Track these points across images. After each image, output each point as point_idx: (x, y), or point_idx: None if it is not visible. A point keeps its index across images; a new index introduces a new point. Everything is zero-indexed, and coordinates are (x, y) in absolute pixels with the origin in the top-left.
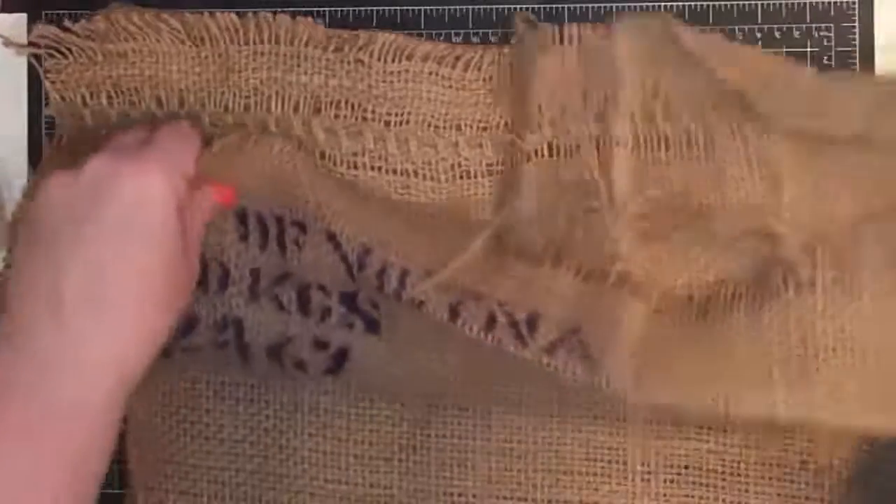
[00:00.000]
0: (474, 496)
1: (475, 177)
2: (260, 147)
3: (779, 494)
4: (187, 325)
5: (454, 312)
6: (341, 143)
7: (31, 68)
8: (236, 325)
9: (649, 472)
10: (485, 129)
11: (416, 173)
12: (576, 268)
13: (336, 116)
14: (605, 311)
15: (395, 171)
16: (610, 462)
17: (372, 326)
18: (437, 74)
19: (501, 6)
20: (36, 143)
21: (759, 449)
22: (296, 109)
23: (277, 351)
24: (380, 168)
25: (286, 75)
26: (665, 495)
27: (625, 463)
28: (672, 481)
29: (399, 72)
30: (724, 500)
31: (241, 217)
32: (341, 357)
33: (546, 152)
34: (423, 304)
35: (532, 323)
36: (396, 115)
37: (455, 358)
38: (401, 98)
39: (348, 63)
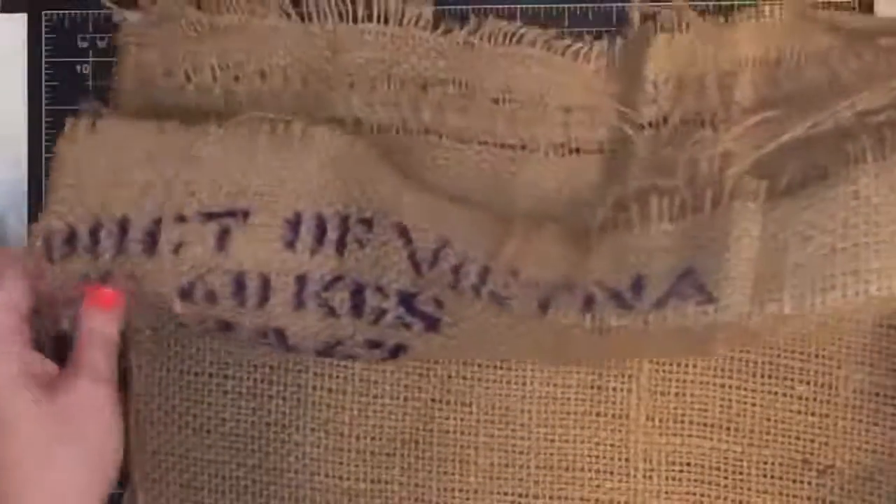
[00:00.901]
0: (475, 492)
1: (583, 154)
2: (323, 140)
3: (781, 493)
4: (222, 328)
5: (544, 306)
6: (447, 120)
7: (30, 68)
8: (278, 334)
9: (651, 470)
10: (594, 110)
11: (523, 147)
12: (671, 212)
13: (443, 94)
14: (712, 242)
15: (502, 146)
16: (612, 459)
17: (432, 326)
18: (545, 60)
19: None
20: (35, 142)
21: (762, 447)
22: (402, 87)
23: (327, 350)
24: (486, 142)
25: (394, 55)
26: (667, 493)
27: (627, 460)
28: (674, 479)
29: (508, 55)
30: (725, 498)
31: (294, 223)
32: (397, 351)
33: (662, 123)
34: (508, 301)
35: (637, 286)
36: (504, 93)
37: (520, 346)
38: (509, 78)
39: (457, 44)
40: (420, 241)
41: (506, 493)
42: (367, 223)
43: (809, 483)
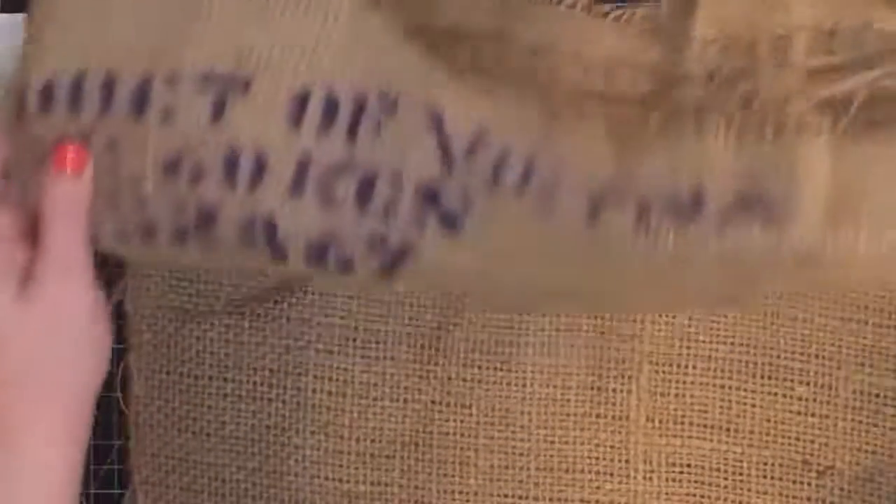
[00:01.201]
0: (475, 493)
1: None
2: (347, 4)
3: (780, 494)
4: (205, 219)
5: (594, 210)
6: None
7: None
8: (267, 224)
9: (651, 471)
10: (637, 66)
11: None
12: (729, 132)
13: (477, 47)
14: (778, 169)
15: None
16: (612, 460)
17: (450, 225)
18: (584, 19)
19: None
20: None
21: (762, 448)
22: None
23: (319, 250)
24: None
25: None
26: (667, 494)
27: (627, 461)
28: (674, 480)
29: (547, 12)
30: (725, 499)
31: (301, 99)
32: (401, 257)
33: (708, 80)
34: (554, 200)
35: (698, 198)
36: (541, 47)
37: (553, 273)
38: (546, 33)
39: None
40: (455, 128)
41: (506, 495)
42: (390, 105)
43: (809, 484)
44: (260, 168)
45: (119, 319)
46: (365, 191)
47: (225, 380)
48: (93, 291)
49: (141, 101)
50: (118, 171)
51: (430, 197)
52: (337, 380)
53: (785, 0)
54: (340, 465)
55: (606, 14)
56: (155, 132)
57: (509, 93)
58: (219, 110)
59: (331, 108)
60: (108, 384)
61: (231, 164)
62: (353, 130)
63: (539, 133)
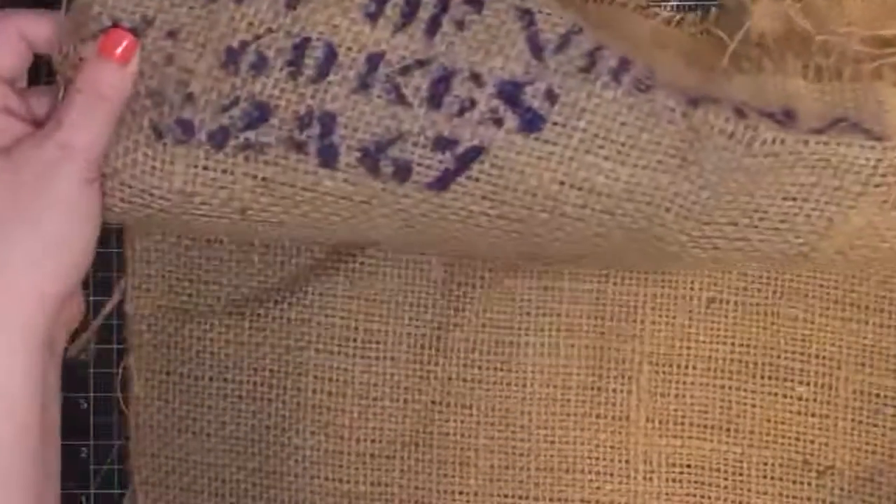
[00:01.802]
0: (475, 494)
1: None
2: None
3: (781, 494)
4: (256, 117)
5: (693, 104)
6: None
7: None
8: (326, 120)
9: (651, 471)
10: (692, 61)
11: (626, 4)
12: (807, 72)
13: None
14: (863, 105)
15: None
16: (612, 461)
17: (531, 124)
18: (635, 19)
19: None
20: None
21: (762, 448)
22: None
23: (377, 151)
24: None
25: None
26: (667, 494)
27: (627, 462)
28: (674, 480)
29: (598, 9)
30: (725, 500)
31: None
32: (471, 157)
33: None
34: (651, 93)
35: (790, 114)
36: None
37: (638, 175)
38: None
39: None
40: (547, 24)
41: (506, 496)
42: (477, 3)
43: (809, 484)
44: (328, 60)
45: (119, 320)
46: (439, 89)
47: (225, 380)
48: (90, 191)
49: None
50: (172, 62)
51: (511, 96)
52: (337, 380)
53: (838, 9)
54: (340, 466)
55: (656, 14)
56: (225, 18)
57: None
58: None
59: (412, 6)
60: (108, 384)
61: (299, 54)
62: (433, 26)
63: (626, 47)
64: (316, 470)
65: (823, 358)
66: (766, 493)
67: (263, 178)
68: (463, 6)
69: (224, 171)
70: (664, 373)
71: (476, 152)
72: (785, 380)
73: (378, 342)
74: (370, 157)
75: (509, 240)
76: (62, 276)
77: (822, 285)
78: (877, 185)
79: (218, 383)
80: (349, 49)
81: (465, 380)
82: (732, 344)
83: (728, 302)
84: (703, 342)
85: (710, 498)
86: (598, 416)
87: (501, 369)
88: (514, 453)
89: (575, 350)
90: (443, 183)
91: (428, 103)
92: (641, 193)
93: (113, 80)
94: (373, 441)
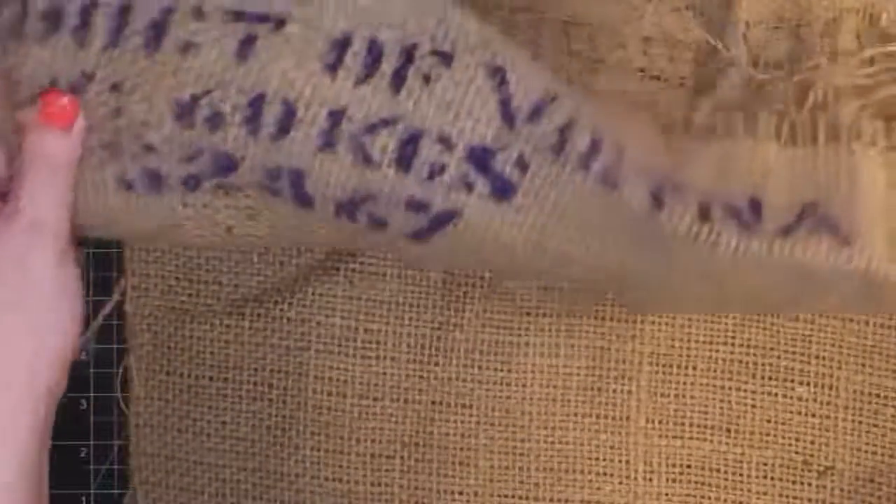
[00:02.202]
0: (476, 494)
1: (665, 80)
2: None
3: (781, 495)
4: (224, 166)
5: (658, 200)
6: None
7: None
8: (295, 176)
9: (651, 472)
10: (675, 45)
11: (604, 61)
12: (781, 134)
13: (510, 18)
14: (836, 180)
15: (581, 55)
16: (612, 461)
17: (503, 191)
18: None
19: None
20: None
21: (762, 448)
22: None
23: (350, 208)
24: (568, 52)
25: None
26: (667, 495)
27: (627, 462)
28: (674, 480)
29: None
30: (725, 500)
31: (341, 44)
32: (444, 218)
33: (752, 66)
34: (619, 182)
35: (755, 207)
36: (575, 18)
37: (603, 256)
38: (580, 5)
39: None
40: (519, 88)
41: (506, 496)
42: (444, 57)
43: (810, 484)
44: (288, 116)
45: (119, 320)
46: (408, 152)
47: (225, 380)
48: (66, 263)
49: (158, 33)
50: (122, 115)
51: (482, 162)
52: (337, 380)
53: None
54: (340, 466)
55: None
56: (170, 70)
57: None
58: (246, 49)
59: (374, 56)
60: (108, 384)
61: (256, 111)
62: (397, 82)
63: (596, 110)
64: (316, 470)
65: (823, 358)
66: (766, 494)
67: (247, 207)
68: (429, 58)
69: (205, 206)
70: (664, 373)
71: (449, 215)
72: (785, 380)
73: (378, 342)
74: (345, 210)
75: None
76: (54, 362)
77: None
78: (845, 283)
79: (218, 383)
80: (308, 104)
81: (465, 380)
82: (732, 344)
83: None
84: (703, 343)
85: (709, 498)
86: (598, 417)
87: (502, 369)
88: (514, 453)
89: (575, 350)
90: (420, 237)
91: (397, 165)
92: (611, 265)
93: (60, 148)
94: (373, 441)
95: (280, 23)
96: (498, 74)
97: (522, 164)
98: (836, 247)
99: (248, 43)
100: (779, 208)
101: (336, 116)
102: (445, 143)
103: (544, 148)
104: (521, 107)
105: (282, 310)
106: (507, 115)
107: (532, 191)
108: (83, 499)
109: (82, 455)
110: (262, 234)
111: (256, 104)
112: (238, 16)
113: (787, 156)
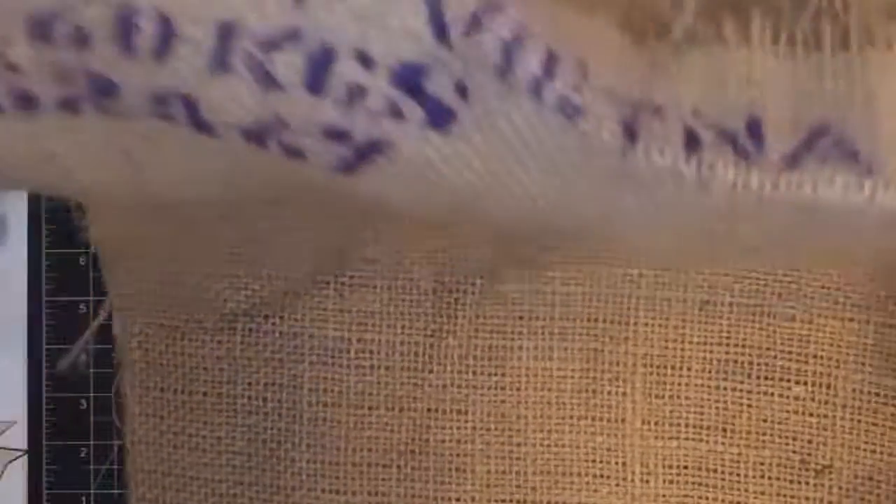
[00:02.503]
0: (473, 500)
1: None
2: None
3: (778, 494)
4: (99, 91)
5: (631, 131)
6: None
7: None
8: (186, 101)
9: (648, 473)
10: None
11: None
12: (783, 40)
13: None
14: (849, 94)
15: None
16: (608, 463)
17: (440, 119)
18: None
19: None
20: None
21: (759, 448)
22: None
23: (259, 136)
24: None
25: None
26: (664, 496)
27: (623, 464)
28: (671, 482)
29: None
30: (723, 500)
31: None
32: (370, 151)
33: None
34: (579, 115)
35: (755, 128)
36: None
37: (578, 197)
38: None
39: None
40: None
41: (503, 500)
42: None
43: (807, 483)
44: (166, 32)
45: (106, 343)
46: (318, 72)
47: (219, 395)
48: None
49: None
50: None
51: (411, 83)
52: (332, 391)
53: None
54: (337, 477)
55: None
56: None
57: None
58: None
59: None
60: (107, 384)
61: (125, 28)
62: None
63: (551, 18)
64: (313, 482)
65: (821, 357)
66: (763, 493)
67: (143, 131)
68: None
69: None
70: (658, 374)
71: (377, 146)
72: (781, 379)
73: (372, 352)
74: (254, 138)
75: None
76: None
77: (822, 287)
78: (864, 227)
79: (212, 398)
80: (191, 19)
81: (459, 386)
82: (727, 345)
83: (723, 304)
84: (698, 343)
85: (707, 498)
86: (593, 419)
87: (496, 374)
88: (510, 458)
89: (568, 353)
90: (346, 170)
91: (306, 88)
92: (577, 209)
93: None
94: (369, 450)
95: None
96: None
97: (462, 88)
98: (856, 179)
99: None
100: (783, 130)
101: (226, 31)
102: (364, 60)
103: (486, 68)
104: (456, 17)
105: (273, 324)
106: (440, 27)
107: (475, 121)
108: (83, 499)
109: (82, 455)
110: (174, 168)
111: (125, 18)
112: None
113: (787, 68)
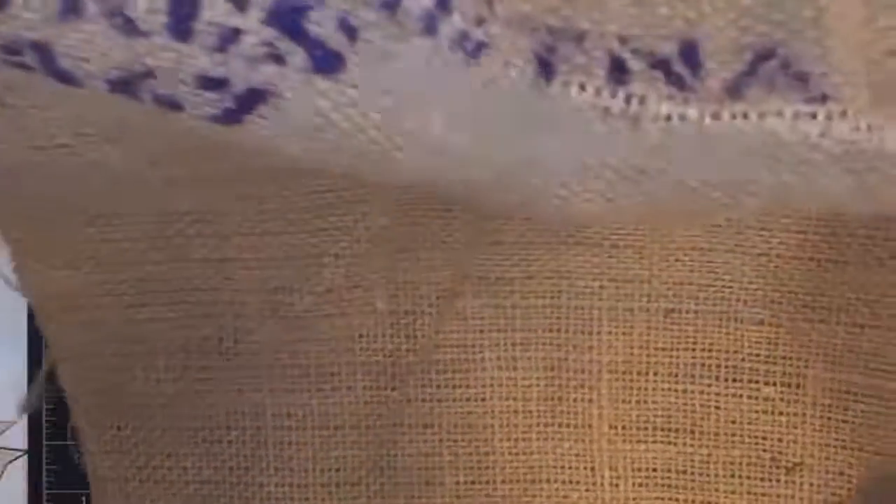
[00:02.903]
0: None
1: None
2: None
3: (749, 493)
4: None
5: (547, 65)
6: None
7: None
8: (39, 50)
9: (618, 477)
10: None
11: None
12: None
13: None
14: (793, 11)
15: None
16: (577, 469)
17: (325, 64)
18: None
19: None
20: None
21: (729, 448)
22: None
23: (128, 87)
24: None
25: None
26: (634, 499)
27: (592, 469)
28: (641, 485)
29: None
30: (693, 502)
31: None
32: (254, 101)
33: None
34: (483, 49)
35: (690, 53)
36: None
37: (490, 146)
38: None
39: None
40: None
41: None
42: None
43: (778, 481)
44: None
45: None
46: (182, 14)
47: (179, 429)
48: None
49: None
50: None
51: (290, 24)
52: (296, 415)
53: None
54: (307, 499)
55: None
56: None
57: None
58: None
59: None
60: None
61: None
62: None
63: None
64: None
65: (791, 359)
66: (734, 493)
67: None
68: None
69: None
70: (624, 380)
71: (261, 95)
72: (750, 381)
73: (332, 374)
74: (121, 89)
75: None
76: None
77: (790, 292)
78: (816, 167)
79: (172, 432)
80: None
81: (423, 400)
82: (694, 349)
83: (688, 311)
84: (664, 349)
85: (677, 500)
86: (560, 426)
87: (460, 386)
88: (479, 467)
89: (532, 363)
90: (228, 120)
91: (171, 33)
92: (494, 157)
93: None
94: (337, 470)
95: None
96: None
97: (349, 28)
98: (807, 107)
99: None
100: (722, 53)
101: None
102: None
103: (371, 4)
104: None
105: (227, 359)
106: None
107: (366, 64)
108: (83, 499)
109: (82, 455)
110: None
111: None
112: None
113: None
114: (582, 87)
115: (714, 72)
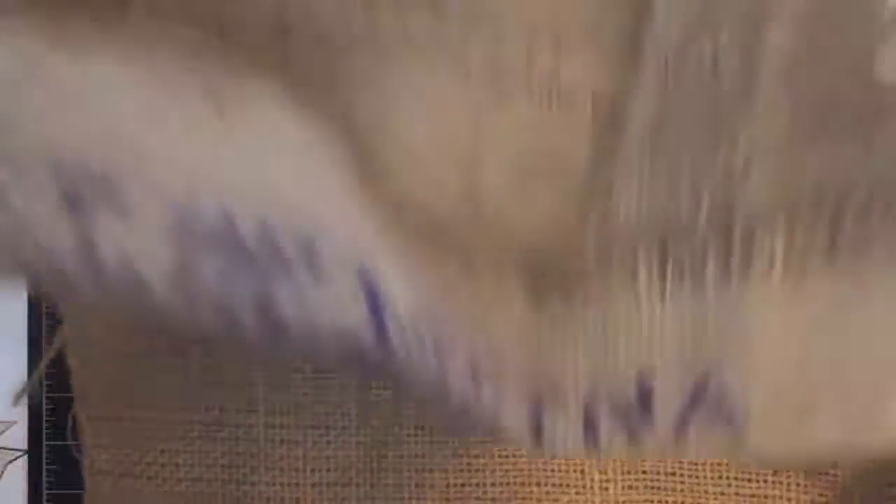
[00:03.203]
0: None
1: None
2: None
3: (737, 494)
4: None
5: (535, 425)
6: None
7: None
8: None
9: (608, 480)
10: None
11: None
12: (671, 279)
13: None
14: (727, 328)
15: None
16: (567, 472)
17: None
18: None
19: None
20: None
21: None
22: None
23: None
24: None
25: None
26: (624, 502)
27: (582, 472)
28: (630, 487)
29: None
30: (682, 503)
31: None
32: None
33: None
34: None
35: (646, 398)
36: None
37: None
38: None
39: None
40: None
41: None
42: None
43: (766, 481)
44: None
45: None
46: None
47: (174, 423)
48: None
49: None
50: None
51: None
52: (288, 413)
53: None
54: (297, 498)
55: None
56: None
57: None
58: None
59: None
60: None
61: None
62: None
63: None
64: None
65: None
66: (722, 494)
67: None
68: None
69: None
70: None
71: None
72: None
73: (326, 371)
74: None
75: None
76: None
77: None
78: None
79: (169, 425)
80: None
81: (415, 401)
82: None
83: None
84: None
85: (667, 502)
86: None
87: None
88: (469, 470)
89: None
90: None
91: None
92: None
93: None
94: (328, 470)
95: None
96: None
97: None
98: (729, 430)
99: None
100: (672, 397)
101: None
102: None
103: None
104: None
105: (225, 355)
106: None
107: None
108: (83, 499)
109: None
110: None
111: None
112: None
113: (672, 312)
114: (564, 443)
115: (663, 413)
